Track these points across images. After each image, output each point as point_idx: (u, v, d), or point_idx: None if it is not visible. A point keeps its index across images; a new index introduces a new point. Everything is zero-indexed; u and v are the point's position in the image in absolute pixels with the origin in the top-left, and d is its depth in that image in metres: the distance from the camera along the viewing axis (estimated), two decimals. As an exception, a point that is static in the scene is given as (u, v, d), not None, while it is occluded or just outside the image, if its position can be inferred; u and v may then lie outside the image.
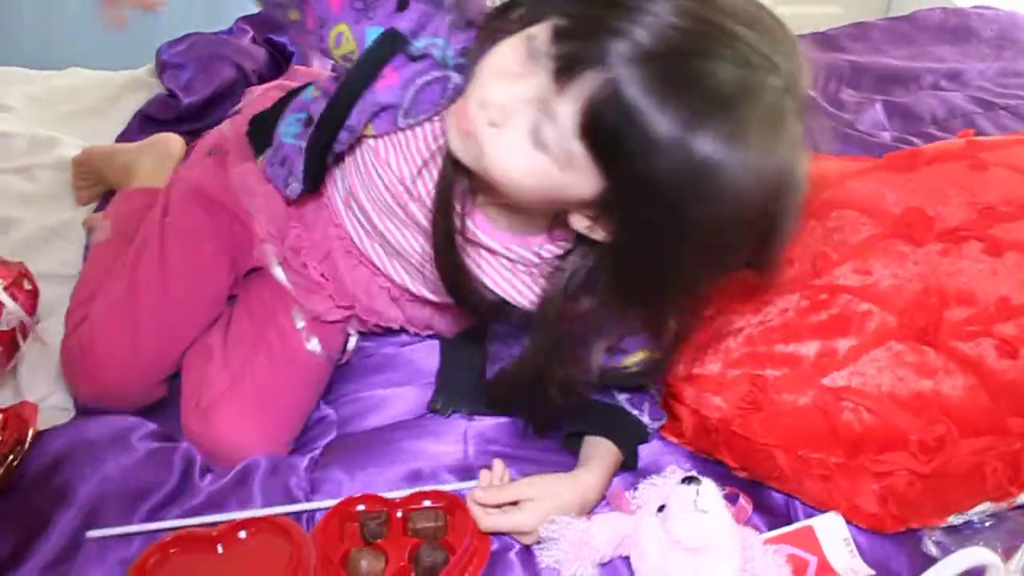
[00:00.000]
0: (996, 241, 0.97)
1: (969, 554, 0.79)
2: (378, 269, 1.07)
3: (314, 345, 1.09)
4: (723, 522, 0.84)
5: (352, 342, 1.15)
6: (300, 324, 1.09)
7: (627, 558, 0.90)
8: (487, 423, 1.06)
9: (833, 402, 0.93)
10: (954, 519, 0.96)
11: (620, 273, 0.83)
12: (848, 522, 0.95)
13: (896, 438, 0.91)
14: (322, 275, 1.09)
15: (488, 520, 0.92)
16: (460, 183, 0.89)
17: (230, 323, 1.11)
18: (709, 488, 0.85)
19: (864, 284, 0.97)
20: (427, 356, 1.16)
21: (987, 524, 0.96)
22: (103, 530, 0.94)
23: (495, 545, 0.93)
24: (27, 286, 1.08)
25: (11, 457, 0.96)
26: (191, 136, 1.46)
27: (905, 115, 1.59)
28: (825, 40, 1.86)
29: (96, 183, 1.45)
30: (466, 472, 0.99)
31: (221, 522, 0.93)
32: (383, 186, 0.97)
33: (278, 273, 1.10)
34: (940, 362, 0.93)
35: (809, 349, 0.95)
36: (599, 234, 0.81)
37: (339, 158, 1.02)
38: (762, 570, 0.86)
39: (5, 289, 1.05)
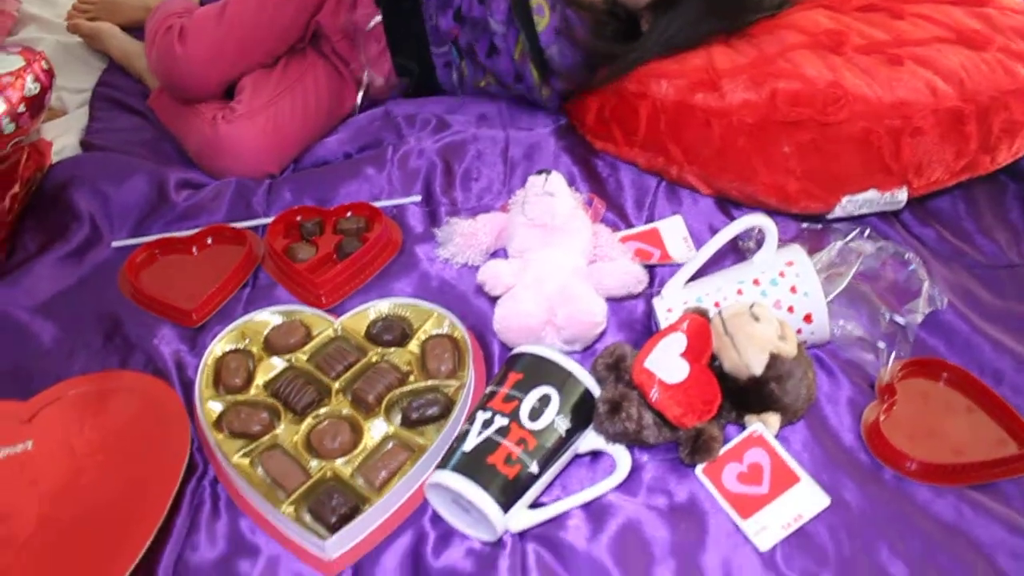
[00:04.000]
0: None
1: (752, 219, 1.01)
2: None
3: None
4: (568, 204, 1.06)
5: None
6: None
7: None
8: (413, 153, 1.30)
9: (765, 78, 1.13)
10: (846, 203, 1.14)
11: None
12: (760, 205, 1.17)
13: (807, 95, 1.10)
14: None
15: None
16: None
17: (267, 74, 1.38)
18: (557, 177, 1.07)
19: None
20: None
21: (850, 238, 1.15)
22: (123, 240, 1.20)
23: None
24: (45, 66, 1.32)
25: (31, 181, 1.22)
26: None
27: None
28: None
29: (95, 16, 1.67)
30: (390, 193, 1.24)
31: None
32: None
33: None
34: (841, 62, 1.14)
35: (748, 57, 1.18)
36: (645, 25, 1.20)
37: None
38: (608, 252, 1.08)
39: (29, 65, 1.30)
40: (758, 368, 0.89)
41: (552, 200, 1.04)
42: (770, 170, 1.14)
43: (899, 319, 1.04)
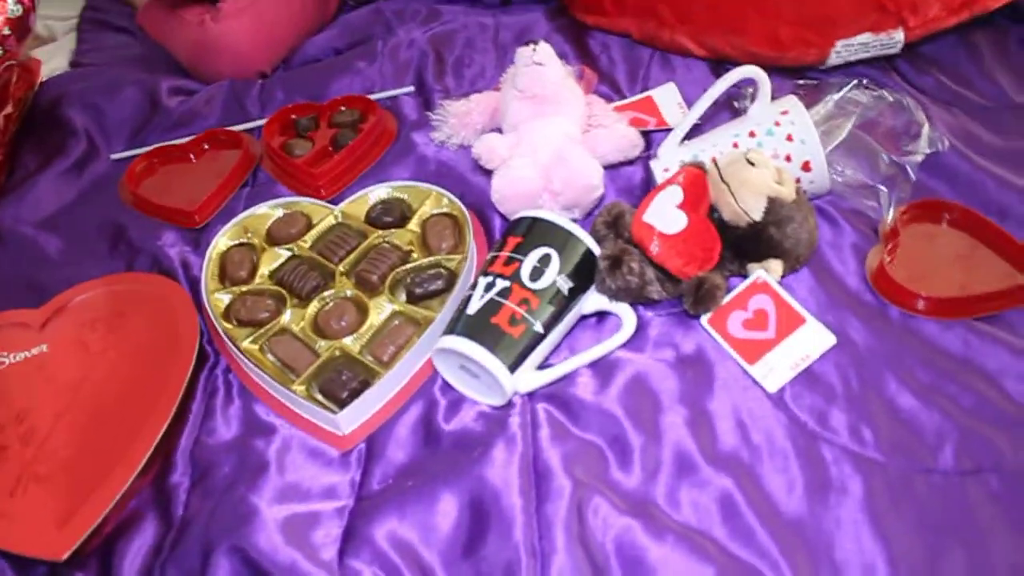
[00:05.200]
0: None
1: (743, 70, 0.99)
2: None
3: None
4: (558, 73, 1.05)
5: None
6: None
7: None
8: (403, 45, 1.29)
9: None
10: (841, 48, 1.12)
11: None
12: (754, 59, 1.12)
13: None
14: None
15: None
16: None
17: None
18: (544, 47, 1.05)
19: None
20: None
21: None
22: (121, 153, 1.20)
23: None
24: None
25: (23, 100, 1.22)
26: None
27: None
28: None
29: None
30: (383, 84, 1.24)
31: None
32: None
33: None
34: None
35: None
36: None
37: None
38: (602, 121, 1.07)
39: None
40: (757, 213, 0.88)
41: (542, 69, 1.03)
42: (761, 16, 1.12)
43: (899, 160, 1.03)
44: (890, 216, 0.98)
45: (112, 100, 1.24)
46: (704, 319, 0.89)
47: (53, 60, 1.41)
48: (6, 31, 1.22)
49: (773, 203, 0.88)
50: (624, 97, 1.17)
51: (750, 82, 1.02)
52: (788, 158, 0.97)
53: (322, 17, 1.40)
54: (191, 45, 1.31)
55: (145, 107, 1.24)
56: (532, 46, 1.04)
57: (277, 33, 1.33)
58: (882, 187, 1.01)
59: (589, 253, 0.89)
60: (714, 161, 0.91)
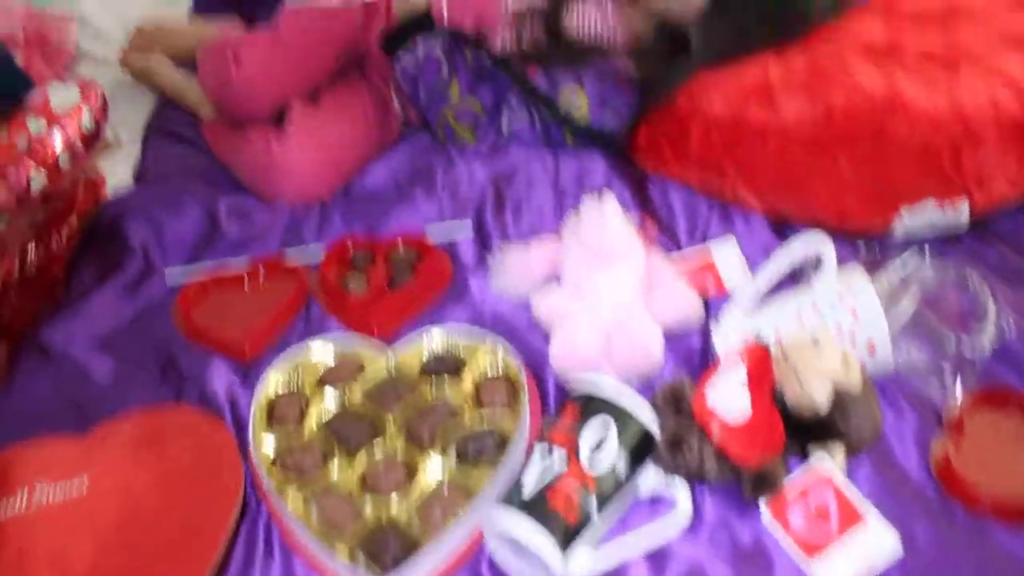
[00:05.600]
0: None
1: (809, 242, 0.98)
2: None
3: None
4: (622, 228, 1.04)
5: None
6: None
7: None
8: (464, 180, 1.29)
9: (820, 90, 1.11)
10: (906, 219, 1.11)
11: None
12: (821, 227, 1.11)
13: (864, 107, 1.09)
14: None
15: None
16: None
17: (316, 99, 1.39)
18: (611, 200, 1.05)
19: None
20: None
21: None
22: (177, 273, 1.20)
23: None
24: (101, 100, 1.33)
25: (87, 215, 1.24)
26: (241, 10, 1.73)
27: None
28: None
29: (147, 50, 1.68)
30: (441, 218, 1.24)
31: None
32: None
33: None
34: (897, 70, 1.11)
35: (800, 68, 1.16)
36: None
37: None
38: (662, 277, 1.06)
39: (86, 99, 1.31)
40: (822, 401, 0.86)
41: (606, 224, 1.03)
42: (827, 185, 1.12)
43: (965, 347, 1.00)
44: (956, 403, 0.95)
45: (172, 218, 1.25)
46: (763, 506, 0.87)
47: (118, 169, 1.42)
48: (78, 143, 1.24)
49: (839, 392, 0.86)
50: (682, 247, 1.16)
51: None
52: (852, 336, 0.95)
53: (383, 142, 1.42)
54: (254, 165, 1.32)
55: (204, 226, 1.25)
56: (598, 199, 1.03)
57: (339, 158, 1.34)
58: (947, 372, 0.98)
59: (648, 435, 0.87)
60: (779, 340, 0.89)
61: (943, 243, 1.15)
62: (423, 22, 1.34)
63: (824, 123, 1.09)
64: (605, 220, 1.03)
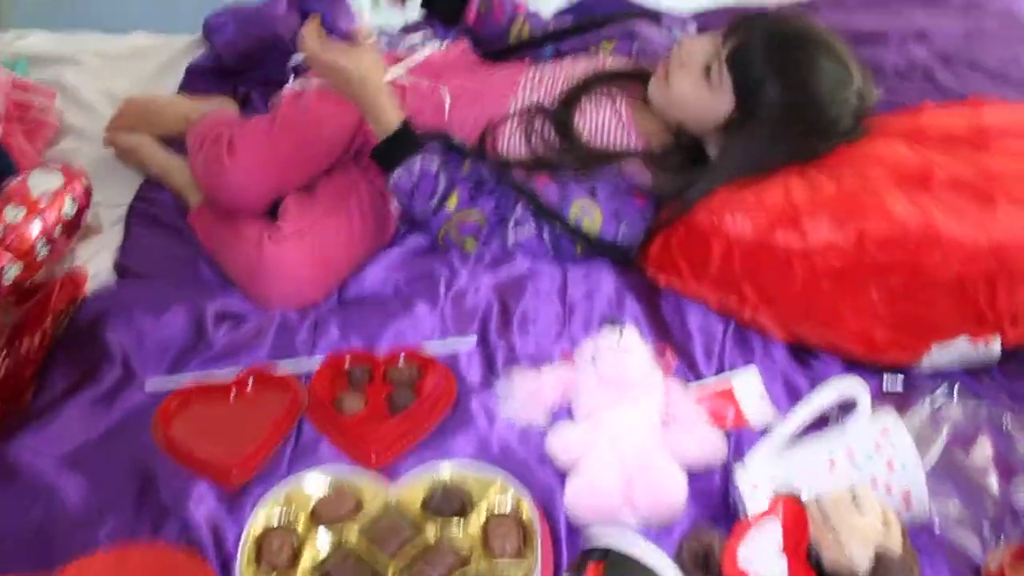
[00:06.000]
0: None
1: (842, 387, 0.93)
2: None
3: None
4: (643, 361, 0.99)
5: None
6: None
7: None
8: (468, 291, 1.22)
9: (850, 216, 1.06)
10: (935, 353, 1.06)
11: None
12: (846, 357, 1.09)
13: (898, 238, 1.04)
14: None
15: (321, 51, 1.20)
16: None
17: (311, 193, 1.33)
18: (631, 332, 0.99)
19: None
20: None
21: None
22: (158, 383, 1.12)
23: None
24: (85, 185, 1.26)
25: (63, 314, 1.15)
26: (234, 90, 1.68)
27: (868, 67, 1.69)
28: (805, 6, 1.98)
29: (131, 129, 1.61)
30: (443, 333, 1.16)
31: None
32: None
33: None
34: (929, 200, 1.07)
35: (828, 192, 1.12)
36: (713, 150, 1.25)
37: None
38: (682, 412, 1.00)
39: (69, 185, 1.24)
40: (863, 565, 0.80)
41: (627, 357, 0.97)
42: (857, 317, 1.07)
43: (1004, 496, 0.95)
44: (996, 559, 0.89)
45: (154, 321, 1.17)
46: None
47: (98, 258, 1.35)
48: (58, 231, 1.16)
49: (880, 554, 0.80)
50: (700, 375, 1.11)
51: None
52: (888, 489, 0.90)
53: (380, 241, 1.35)
54: (245, 265, 1.25)
55: (189, 332, 1.17)
56: (618, 329, 0.97)
57: (335, 258, 1.27)
58: (986, 525, 0.92)
59: (676, 598, 0.80)
60: (815, 496, 0.83)
61: (970, 377, 1.10)
62: (407, 141, 1.25)
63: (855, 253, 1.05)
64: (625, 354, 0.96)
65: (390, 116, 1.24)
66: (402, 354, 1.12)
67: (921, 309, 1.04)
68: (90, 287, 1.24)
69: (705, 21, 1.72)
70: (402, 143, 1.25)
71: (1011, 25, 1.85)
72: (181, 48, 1.93)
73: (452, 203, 1.25)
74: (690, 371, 1.12)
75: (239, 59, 1.76)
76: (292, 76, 1.47)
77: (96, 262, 1.34)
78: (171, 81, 1.83)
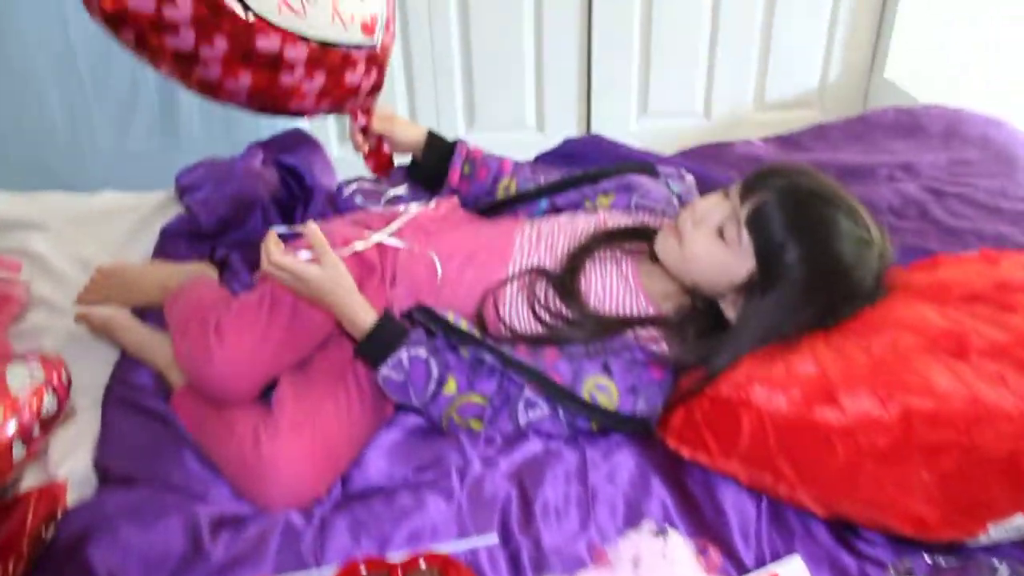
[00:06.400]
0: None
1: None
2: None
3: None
4: (691, 571, 0.91)
5: None
6: None
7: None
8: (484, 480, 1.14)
9: (891, 391, 1.00)
10: (992, 532, 1.00)
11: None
12: (898, 535, 1.03)
13: (946, 415, 0.97)
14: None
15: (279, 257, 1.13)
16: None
17: (306, 371, 1.26)
18: (677, 540, 0.92)
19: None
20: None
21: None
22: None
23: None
24: (65, 377, 1.17)
25: (42, 532, 1.05)
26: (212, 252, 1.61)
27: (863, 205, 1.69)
28: (790, 142, 2.00)
29: (104, 299, 1.54)
30: (461, 529, 1.08)
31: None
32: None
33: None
34: (969, 371, 1.01)
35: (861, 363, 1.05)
36: (731, 311, 1.20)
37: None
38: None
39: (49, 380, 1.15)
40: None
41: (674, 569, 0.89)
42: (907, 498, 1.01)
43: None
44: None
45: (144, 535, 1.06)
46: None
47: (76, 454, 1.25)
48: (35, 430, 1.07)
49: None
50: (741, 566, 1.03)
51: None
52: None
53: (380, 419, 1.27)
54: (240, 464, 1.16)
55: (183, 545, 1.06)
56: (663, 539, 0.90)
57: (337, 445, 1.19)
58: None
59: None
60: None
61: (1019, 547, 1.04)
62: (389, 333, 1.19)
63: (901, 431, 0.99)
64: (673, 565, 0.89)
65: (364, 316, 1.19)
66: (422, 558, 1.02)
67: (975, 488, 0.98)
68: (70, 498, 1.13)
69: (692, 163, 1.72)
70: (384, 337, 1.18)
71: (991, 154, 1.86)
72: (153, 206, 1.87)
73: (451, 387, 1.17)
74: (729, 560, 1.04)
75: (216, 222, 1.70)
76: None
77: (72, 461, 1.24)
78: (145, 242, 1.76)
